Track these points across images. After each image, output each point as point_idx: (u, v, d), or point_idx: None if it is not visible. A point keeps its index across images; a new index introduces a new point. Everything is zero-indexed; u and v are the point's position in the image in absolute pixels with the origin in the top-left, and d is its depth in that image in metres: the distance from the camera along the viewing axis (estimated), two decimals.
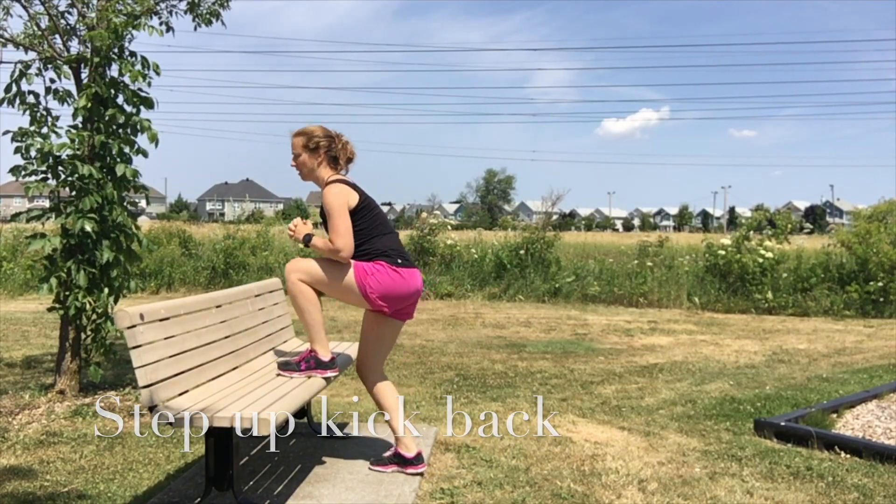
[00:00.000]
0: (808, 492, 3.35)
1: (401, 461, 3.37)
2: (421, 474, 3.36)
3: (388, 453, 3.45)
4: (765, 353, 7.29)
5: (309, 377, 3.22)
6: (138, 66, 4.75)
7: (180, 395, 2.77)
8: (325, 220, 3.27)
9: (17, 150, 4.58)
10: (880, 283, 10.58)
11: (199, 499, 2.86)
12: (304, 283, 3.24)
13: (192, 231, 16.18)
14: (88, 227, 4.50)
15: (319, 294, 3.30)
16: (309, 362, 3.27)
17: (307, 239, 3.27)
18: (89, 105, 4.59)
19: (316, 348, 3.28)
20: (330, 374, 3.28)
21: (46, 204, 4.80)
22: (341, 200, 3.17)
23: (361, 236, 3.23)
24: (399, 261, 3.25)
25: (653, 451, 3.95)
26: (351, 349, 3.93)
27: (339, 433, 3.97)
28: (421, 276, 3.37)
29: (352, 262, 3.22)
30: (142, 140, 4.85)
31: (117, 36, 4.60)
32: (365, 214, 3.25)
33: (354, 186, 3.30)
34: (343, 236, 3.14)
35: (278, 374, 3.24)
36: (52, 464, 3.58)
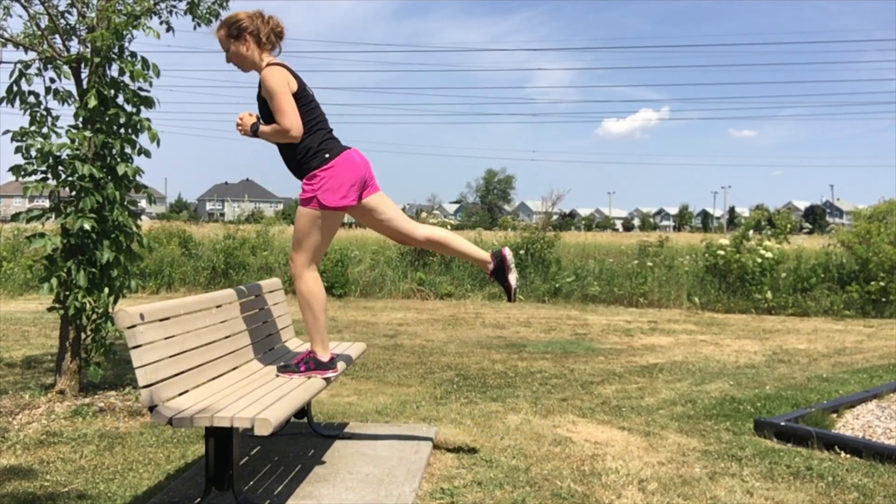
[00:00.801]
0: (808, 492, 3.35)
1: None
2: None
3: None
4: (765, 353, 7.29)
5: (308, 378, 3.22)
6: (138, 66, 4.75)
7: (180, 395, 2.77)
8: (263, 109, 3.22)
9: (17, 150, 4.57)
10: (881, 284, 10.58)
11: (199, 499, 2.86)
12: (313, 275, 3.25)
13: (192, 231, 16.18)
14: (87, 226, 4.50)
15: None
16: (308, 363, 3.26)
17: (255, 128, 3.23)
18: (96, 105, 4.59)
19: (315, 349, 3.28)
20: (330, 374, 3.28)
21: (46, 204, 4.80)
22: (282, 81, 3.10)
23: None
24: (327, 156, 3.19)
25: (653, 451, 3.95)
26: (351, 349, 3.93)
27: (339, 433, 3.97)
28: (355, 150, 3.30)
29: (303, 185, 3.19)
30: (143, 140, 4.86)
31: (118, 36, 4.60)
32: (302, 105, 3.18)
33: (294, 73, 3.21)
34: (289, 114, 3.08)
35: (278, 376, 3.24)
36: (52, 464, 3.58)
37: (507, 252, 3.45)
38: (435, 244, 3.53)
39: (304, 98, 3.21)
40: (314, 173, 3.18)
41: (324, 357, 3.28)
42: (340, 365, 3.40)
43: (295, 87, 3.17)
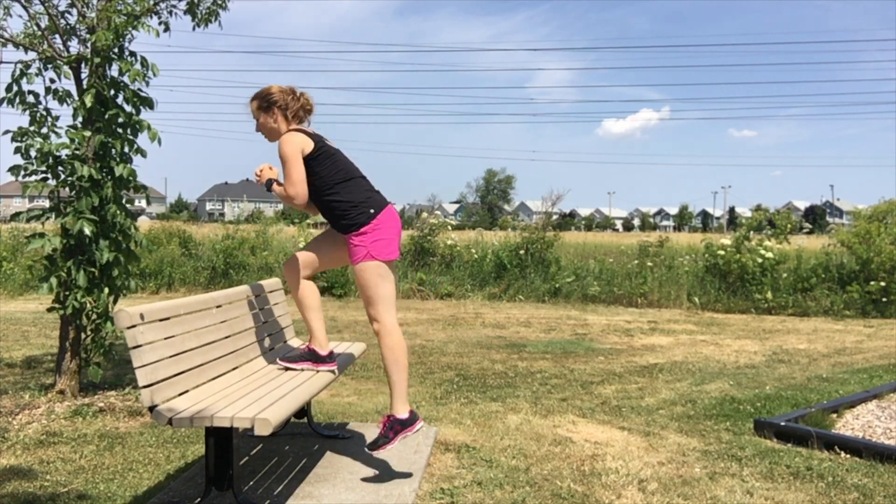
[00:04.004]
0: (808, 492, 3.35)
1: (314, 358, 3.40)
2: (333, 372, 3.40)
3: (298, 350, 3.48)
4: (765, 353, 7.29)
5: (404, 438, 3.22)
6: (137, 66, 4.76)
7: (180, 395, 2.77)
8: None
9: (17, 150, 4.58)
10: (881, 284, 10.57)
11: (199, 499, 2.86)
12: (398, 328, 3.27)
13: (192, 231, 16.17)
14: (87, 230, 4.50)
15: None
16: (393, 427, 3.21)
17: (269, 184, 3.36)
18: (93, 104, 4.59)
19: (398, 410, 3.23)
20: (418, 426, 3.24)
21: (46, 204, 4.80)
22: (294, 148, 3.21)
23: (324, 183, 3.26)
24: (371, 211, 3.25)
25: (653, 451, 3.95)
26: (351, 349, 3.93)
27: (339, 433, 3.97)
28: (393, 208, 3.37)
29: (351, 240, 3.24)
30: (141, 140, 4.86)
31: (118, 36, 4.60)
32: (322, 161, 3.26)
33: (311, 135, 3.30)
34: (295, 184, 3.19)
35: (371, 451, 3.22)
36: (52, 464, 3.58)
37: (420, 425, 3.28)
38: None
39: (323, 154, 3.27)
40: (361, 230, 3.23)
41: (404, 414, 3.24)
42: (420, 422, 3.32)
43: (310, 147, 3.24)
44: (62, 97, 4.81)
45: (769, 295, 10.93)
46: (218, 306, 3.30)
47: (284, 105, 3.35)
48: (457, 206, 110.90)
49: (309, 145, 3.24)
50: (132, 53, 4.80)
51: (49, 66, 4.77)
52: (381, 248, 3.23)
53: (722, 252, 11.63)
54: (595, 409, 4.90)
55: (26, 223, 4.93)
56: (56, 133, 4.70)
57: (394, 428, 3.21)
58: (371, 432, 4.02)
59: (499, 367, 6.33)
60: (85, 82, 4.80)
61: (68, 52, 4.92)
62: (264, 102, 3.36)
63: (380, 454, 3.38)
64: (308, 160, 3.24)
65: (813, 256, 12.11)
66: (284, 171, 3.23)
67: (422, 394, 5.23)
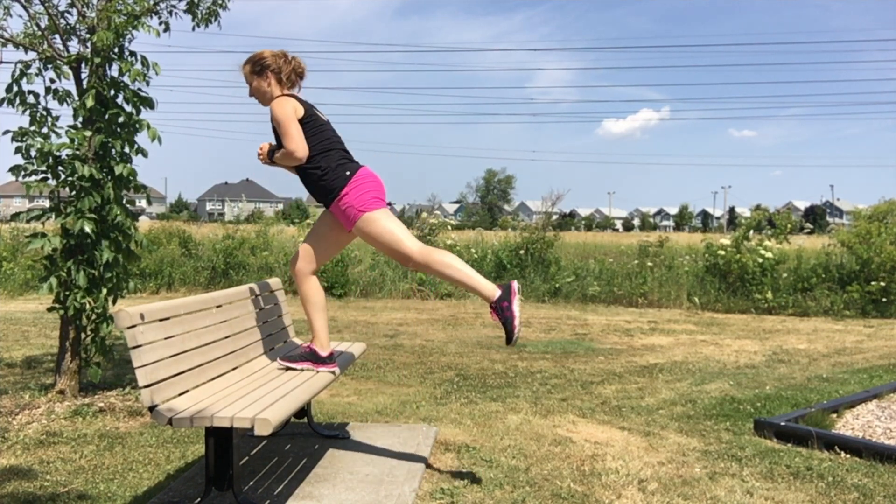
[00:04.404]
0: (808, 492, 3.35)
1: (314, 358, 3.40)
2: (333, 373, 3.37)
3: (299, 350, 3.48)
4: (765, 353, 7.29)
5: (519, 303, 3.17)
6: (138, 66, 4.76)
7: (180, 395, 2.77)
8: (277, 138, 3.35)
9: (17, 150, 4.58)
10: (881, 284, 10.57)
11: (199, 499, 2.86)
12: (428, 247, 3.26)
13: (192, 231, 16.17)
14: (88, 229, 4.50)
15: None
16: (504, 305, 3.16)
17: (272, 154, 3.40)
18: (94, 104, 4.59)
19: (484, 291, 3.18)
20: (514, 300, 3.19)
21: (47, 204, 4.80)
22: (288, 110, 3.26)
23: (309, 150, 3.30)
24: (347, 173, 3.31)
25: (653, 451, 3.95)
26: (351, 349, 3.93)
27: (339, 433, 3.97)
28: (369, 168, 3.42)
29: (338, 207, 3.29)
30: (142, 139, 4.86)
31: (118, 36, 4.61)
32: (309, 129, 3.31)
33: (302, 102, 3.36)
34: (294, 138, 3.24)
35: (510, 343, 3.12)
36: (52, 464, 3.58)
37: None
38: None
39: (312, 122, 3.34)
40: (342, 193, 3.28)
41: (497, 292, 3.18)
42: (516, 299, 3.22)
43: (301, 112, 3.31)
44: (62, 97, 4.81)
45: (769, 295, 10.93)
46: (218, 306, 3.30)
47: (277, 69, 3.40)
48: (457, 206, 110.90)
49: (300, 110, 3.30)
50: (132, 53, 4.81)
51: (49, 66, 4.77)
52: (366, 200, 3.28)
53: (722, 252, 11.63)
54: (595, 409, 4.90)
55: (26, 223, 4.93)
56: (56, 133, 4.71)
57: (501, 306, 3.19)
58: (371, 432, 4.03)
59: (499, 367, 6.33)
60: (85, 82, 4.80)
61: (68, 52, 4.92)
62: (257, 66, 3.40)
63: (379, 454, 3.38)
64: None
65: (813, 256, 12.12)
66: (281, 131, 3.26)
67: (422, 394, 5.23)
